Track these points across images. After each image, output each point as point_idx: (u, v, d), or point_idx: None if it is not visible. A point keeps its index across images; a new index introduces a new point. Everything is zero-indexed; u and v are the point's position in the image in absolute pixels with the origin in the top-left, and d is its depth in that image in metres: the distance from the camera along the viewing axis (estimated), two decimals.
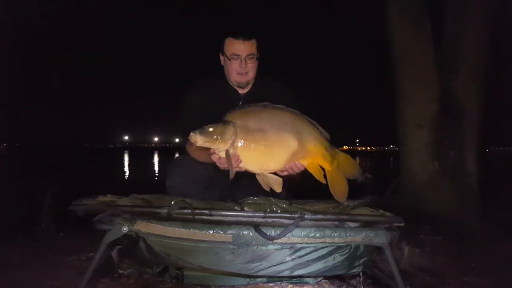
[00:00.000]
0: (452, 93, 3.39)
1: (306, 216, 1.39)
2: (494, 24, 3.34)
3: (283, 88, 2.13)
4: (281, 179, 1.64)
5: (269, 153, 1.60)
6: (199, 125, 1.60)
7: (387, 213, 1.57)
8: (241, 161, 1.59)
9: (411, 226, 2.70)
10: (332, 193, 1.67)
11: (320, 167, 1.67)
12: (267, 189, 1.63)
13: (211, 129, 1.55)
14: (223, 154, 1.59)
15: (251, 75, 2.03)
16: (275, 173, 1.66)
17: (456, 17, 3.39)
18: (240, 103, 2.04)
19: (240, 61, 1.98)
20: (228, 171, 1.59)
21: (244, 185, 1.90)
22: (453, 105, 3.39)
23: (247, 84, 2.08)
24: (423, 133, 3.43)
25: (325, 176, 1.67)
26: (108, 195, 1.65)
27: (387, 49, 3.62)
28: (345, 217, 1.57)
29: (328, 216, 1.50)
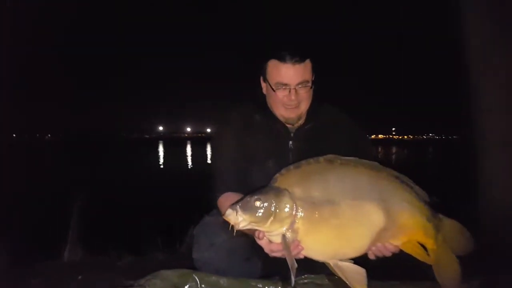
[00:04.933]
0: None
1: None
2: None
3: (347, 120, 1.64)
4: (363, 271, 1.16)
5: (344, 237, 1.14)
6: (238, 176, 1.26)
7: None
8: (302, 248, 1.13)
9: None
10: (440, 281, 1.20)
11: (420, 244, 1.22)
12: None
13: (258, 204, 1.10)
14: (277, 239, 1.13)
15: (303, 107, 1.54)
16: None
17: None
18: (291, 143, 1.58)
19: (288, 92, 1.49)
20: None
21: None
22: None
23: (299, 119, 1.58)
24: None
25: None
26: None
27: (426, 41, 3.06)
28: None
29: None
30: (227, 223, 1.11)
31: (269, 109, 1.59)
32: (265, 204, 1.09)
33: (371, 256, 1.20)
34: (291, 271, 1.08)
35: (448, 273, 1.20)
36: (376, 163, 1.20)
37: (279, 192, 1.11)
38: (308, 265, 1.24)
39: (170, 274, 1.26)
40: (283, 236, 1.11)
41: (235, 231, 1.10)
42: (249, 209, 1.08)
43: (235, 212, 1.08)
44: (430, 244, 1.20)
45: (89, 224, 2.93)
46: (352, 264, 1.16)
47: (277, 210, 1.09)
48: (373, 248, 1.17)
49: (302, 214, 1.11)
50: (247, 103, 1.67)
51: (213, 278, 1.31)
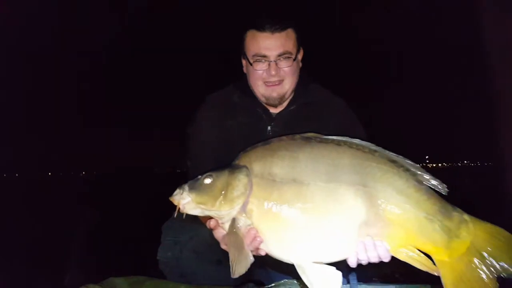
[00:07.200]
0: None
1: None
2: None
3: (339, 104, 1.44)
4: (339, 275, 0.91)
5: (313, 227, 0.89)
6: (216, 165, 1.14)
7: None
8: (261, 240, 0.90)
9: None
10: None
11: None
12: None
13: (208, 181, 0.90)
14: (228, 227, 0.92)
15: (287, 85, 1.35)
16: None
17: None
18: (269, 128, 1.38)
19: (268, 65, 1.31)
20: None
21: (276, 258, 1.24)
22: None
23: (282, 99, 1.39)
24: None
25: None
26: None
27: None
28: None
29: None
30: (197, 218, 0.94)
31: (250, 90, 1.41)
32: (216, 182, 0.90)
33: (352, 262, 0.92)
34: (233, 268, 0.85)
35: None
36: (369, 144, 0.95)
37: (234, 169, 0.92)
38: (288, 267, 0.99)
39: (120, 282, 1.11)
40: (234, 221, 0.89)
41: (183, 216, 0.92)
42: (197, 188, 0.90)
43: (182, 190, 0.90)
44: (438, 254, 0.87)
45: (93, 250, 2.98)
46: (323, 265, 0.89)
47: (228, 188, 0.89)
48: (353, 249, 0.91)
49: (258, 192, 0.89)
50: (228, 85, 1.52)
51: (170, 285, 1.10)
